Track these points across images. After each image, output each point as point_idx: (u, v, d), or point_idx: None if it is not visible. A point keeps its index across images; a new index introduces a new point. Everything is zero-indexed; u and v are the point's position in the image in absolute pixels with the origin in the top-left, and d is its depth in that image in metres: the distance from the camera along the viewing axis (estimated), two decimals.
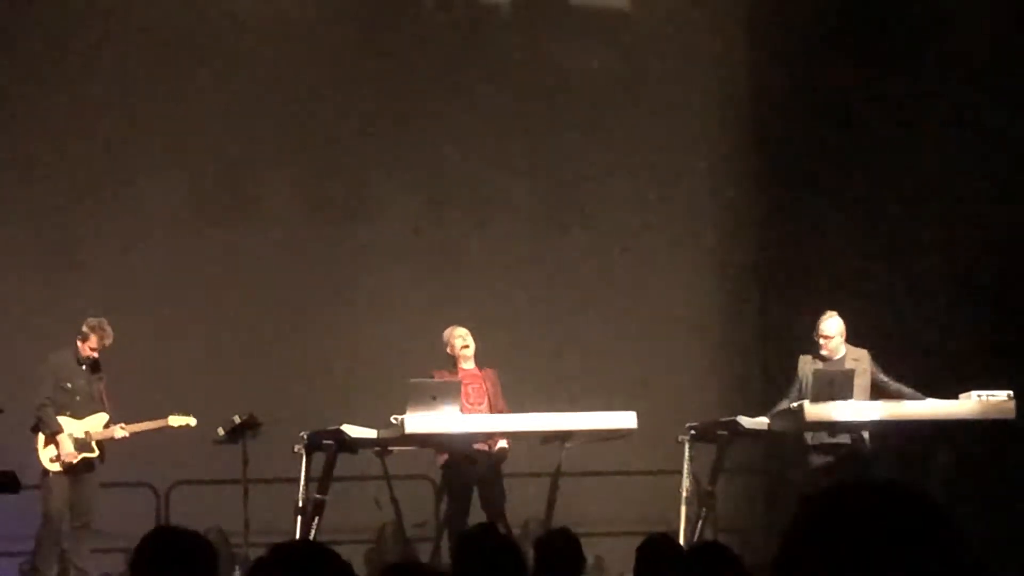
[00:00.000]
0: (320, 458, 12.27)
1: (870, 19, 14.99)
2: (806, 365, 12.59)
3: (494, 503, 12.21)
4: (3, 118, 14.77)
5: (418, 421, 11.80)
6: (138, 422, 12.46)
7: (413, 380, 12.10)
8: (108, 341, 12.37)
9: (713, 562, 5.62)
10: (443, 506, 12.56)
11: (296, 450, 12.24)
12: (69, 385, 12.32)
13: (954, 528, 2.03)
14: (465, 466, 12.33)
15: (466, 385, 12.38)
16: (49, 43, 14.88)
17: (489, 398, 12.48)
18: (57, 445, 12.18)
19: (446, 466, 12.41)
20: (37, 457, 12.18)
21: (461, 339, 12.55)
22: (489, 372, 12.63)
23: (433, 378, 12.38)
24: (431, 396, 11.94)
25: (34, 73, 14.80)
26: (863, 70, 14.79)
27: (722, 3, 16.11)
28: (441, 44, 15.92)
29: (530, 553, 7.23)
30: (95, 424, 12.36)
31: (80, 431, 12.28)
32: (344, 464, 12.35)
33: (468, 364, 12.54)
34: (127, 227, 14.98)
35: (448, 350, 12.59)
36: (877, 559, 1.98)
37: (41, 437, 12.23)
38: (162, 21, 15.32)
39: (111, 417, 12.43)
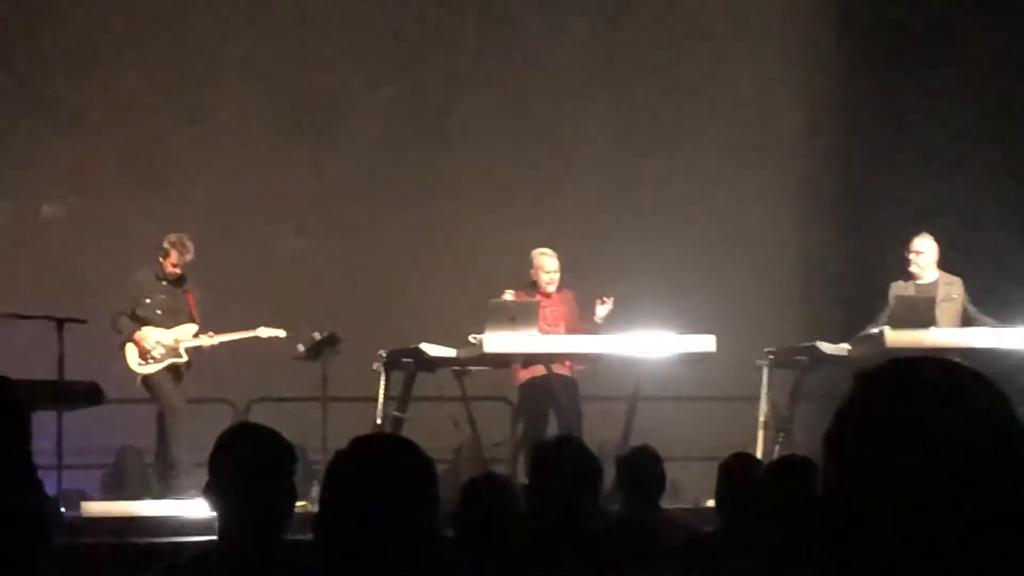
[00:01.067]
0: (399, 377, 12.36)
1: None
2: (896, 291, 12.52)
3: (571, 424, 12.23)
4: (92, 47, 14.80)
5: (496, 341, 11.84)
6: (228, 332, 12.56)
7: (492, 301, 12.14)
8: (189, 257, 12.41)
9: (795, 474, 5.61)
10: (520, 427, 12.60)
11: (375, 368, 12.34)
12: (148, 300, 12.39)
13: (1007, 400, 2.00)
14: (543, 386, 12.38)
15: (544, 307, 12.40)
16: None
17: (566, 320, 12.50)
18: (138, 344, 12.28)
19: (524, 386, 12.44)
20: (128, 368, 12.26)
21: (549, 262, 12.53)
22: (567, 294, 12.62)
23: (511, 297, 12.40)
24: (509, 317, 11.98)
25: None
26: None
27: None
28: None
29: (610, 472, 7.20)
30: (183, 333, 12.45)
31: (168, 338, 12.37)
32: (422, 384, 12.44)
33: (551, 287, 12.55)
34: (216, 147, 15.06)
35: (532, 272, 12.59)
36: (927, 428, 1.98)
37: (127, 348, 12.33)
38: None
39: (200, 328, 12.51)
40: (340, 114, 15.40)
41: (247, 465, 4.55)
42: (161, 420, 12.30)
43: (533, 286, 12.58)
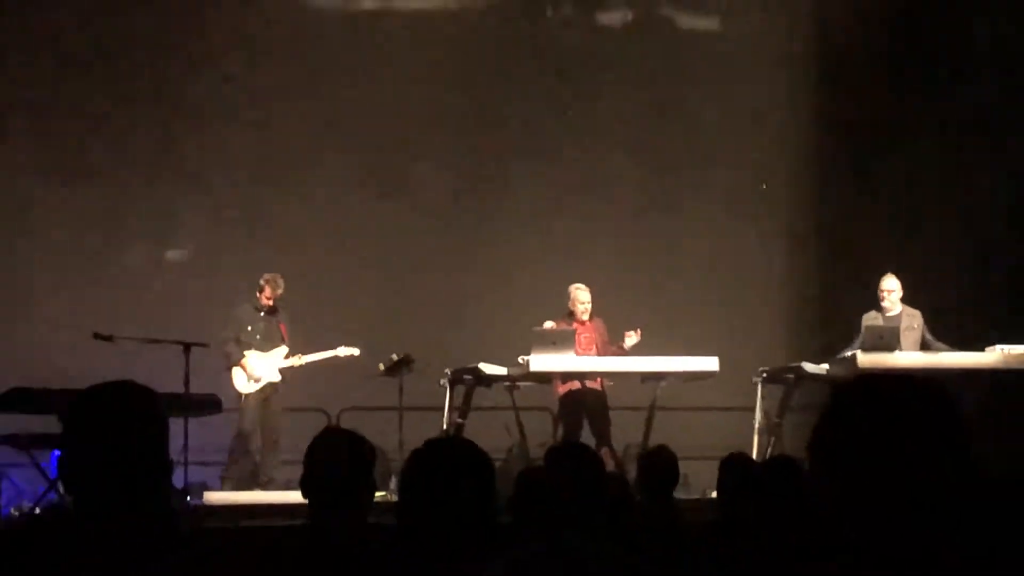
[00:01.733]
0: (460, 390, 12.40)
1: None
2: (867, 321, 12.52)
3: (601, 429, 12.31)
4: (212, 121, 14.87)
5: (540, 361, 11.94)
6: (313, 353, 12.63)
7: (536, 328, 12.22)
8: (280, 291, 12.57)
9: (783, 471, 5.62)
10: (559, 431, 12.61)
11: (441, 383, 12.38)
12: (250, 328, 12.53)
13: (958, 413, 2.05)
14: (578, 398, 12.42)
15: (578, 333, 12.46)
16: (227, 41, 14.97)
17: (597, 344, 12.55)
18: (244, 370, 12.40)
19: (563, 398, 12.49)
20: (232, 386, 12.37)
21: (583, 295, 12.62)
22: (598, 322, 12.68)
23: (552, 326, 12.45)
24: (551, 341, 12.07)
25: (211, 61, 14.89)
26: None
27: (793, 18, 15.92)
28: (565, 54, 15.92)
29: (632, 471, 7.24)
30: (276, 356, 12.54)
31: (265, 362, 12.46)
32: (480, 396, 12.48)
33: (584, 316, 12.62)
34: (312, 201, 15.12)
35: (570, 304, 12.66)
36: (894, 435, 2.01)
37: (234, 371, 12.43)
38: (316, 26, 15.43)
39: (290, 350, 12.59)
40: (414, 175, 15.45)
41: (336, 461, 4.60)
42: (239, 436, 12.48)
43: (570, 315, 12.65)
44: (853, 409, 2.09)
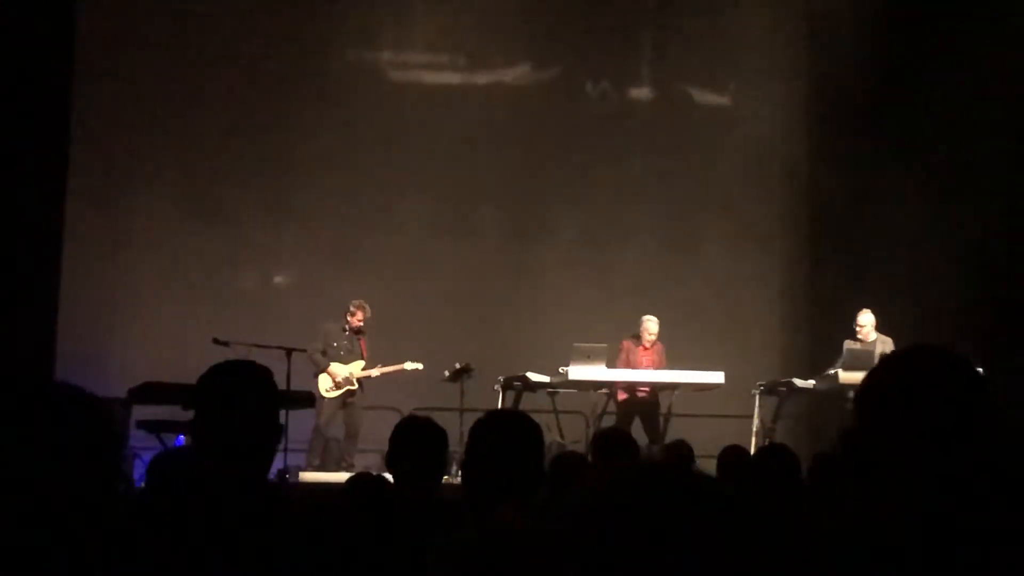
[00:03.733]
0: (511, 395, 12.43)
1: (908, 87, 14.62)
2: (848, 346, 12.49)
3: (650, 430, 12.45)
4: (309, 165, 15.02)
5: (578, 372, 11.95)
6: (386, 366, 12.69)
7: (576, 344, 12.23)
8: (367, 315, 12.64)
9: (777, 456, 5.61)
10: (590, 430, 12.60)
11: (495, 388, 12.42)
12: (335, 344, 12.58)
13: (988, 389, 2.04)
14: (631, 405, 12.45)
15: (641, 356, 12.51)
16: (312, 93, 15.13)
17: (655, 365, 12.59)
18: (329, 377, 12.46)
19: (620, 404, 12.51)
20: (316, 389, 12.45)
21: (651, 326, 12.69)
22: (659, 346, 12.73)
23: (622, 345, 12.51)
24: (587, 356, 12.07)
25: (316, 123, 15.01)
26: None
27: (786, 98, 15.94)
28: (601, 121, 15.99)
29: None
30: (355, 367, 12.60)
31: (346, 371, 12.53)
32: (526, 400, 12.49)
33: (649, 340, 12.65)
34: (391, 236, 15.22)
35: (640, 330, 12.73)
36: (934, 396, 1.99)
37: (320, 377, 12.50)
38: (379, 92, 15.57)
39: (368, 363, 12.64)
40: (474, 219, 15.54)
41: (416, 442, 4.66)
42: (316, 428, 12.52)
43: (638, 339, 12.69)
44: (898, 371, 2.06)
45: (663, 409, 12.73)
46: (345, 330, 12.65)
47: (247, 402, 3.19)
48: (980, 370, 2.05)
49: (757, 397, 12.90)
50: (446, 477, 6.48)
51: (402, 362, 12.71)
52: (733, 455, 6.51)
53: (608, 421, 12.29)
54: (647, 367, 12.56)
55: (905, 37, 14.49)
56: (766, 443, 12.05)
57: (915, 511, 1.94)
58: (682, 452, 6.92)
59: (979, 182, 13.68)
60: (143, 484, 10.81)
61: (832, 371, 12.15)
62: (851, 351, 12.31)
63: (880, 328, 12.51)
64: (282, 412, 9.57)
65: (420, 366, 12.70)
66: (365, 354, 12.69)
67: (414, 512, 4.30)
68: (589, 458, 6.37)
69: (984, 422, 1.98)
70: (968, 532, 1.91)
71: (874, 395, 2.04)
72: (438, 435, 4.78)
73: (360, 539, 4.21)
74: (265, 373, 3.30)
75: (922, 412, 1.96)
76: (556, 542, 1.53)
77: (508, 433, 3.60)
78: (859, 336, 12.46)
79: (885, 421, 1.99)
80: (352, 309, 12.63)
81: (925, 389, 1.99)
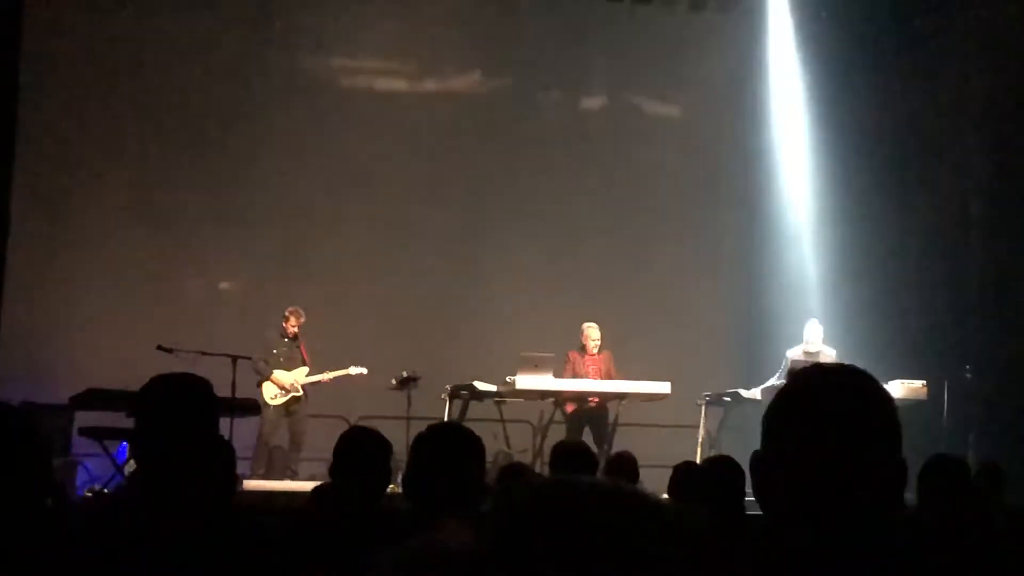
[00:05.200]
0: (458, 403, 12.40)
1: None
2: (790, 355, 12.55)
3: (599, 438, 12.31)
4: (251, 169, 14.95)
5: (525, 381, 11.91)
6: (331, 371, 12.65)
7: (523, 353, 12.19)
8: (302, 320, 12.62)
9: (723, 467, 5.62)
10: (538, 439, 12.59)
11: (442, 397, 12.39)
12: (275, 351, 12.56)
13: (892, 404, 2.03)
14: (580, 415, 12.42)
15: (588, 364, 12.48)
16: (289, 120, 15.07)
17: (603, 374, 12.55)
18: (274, 384, 12.41)
19: (571, 414, 12.47)
20: (261, 397, 12.39)
21: (594, 333, 12.64)
22: (607, 354, 12.69)
23: (568, 356, 12.48)
24: (534, 365, 12.03)
25: (259, 129, 14.98)
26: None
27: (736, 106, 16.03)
28: (551, 130, 16.03)
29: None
30: (299, 374, 12.56)
31: (290, 378, 12.48)
32: (474, 408, 12.47)
33: (593, 347, 12.60)
34: (335, 241, 15.14)
35: (582, 339, 12.68)
36: (829, 408, 1.96)
37: (265, 385, 12.45)
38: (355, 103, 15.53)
39: (311, 369, 12.59)
40: (422, 225, 15.46)
41: (360, 455, 4.64)
42: (261, 436, 12.47)
43: (583, 348, 12.65)
44: (801, 388, 2.02)
45: (611, 419, 12.72)
46: (284, 337, 12.60)
47: (185, 417, 3.16)
48: (887, 388, 2.04)
49: (703, 407, 12.96)
50: (391, 487, 6.47)
51: (347, 367, 12.66)
52: (684, 472, 6.51)
53: (555, 430, 12.27)
54: (595, 376, 12.54)
55: (852, 45, 14.64)
56: (712, 454, 12.13)
57: (817, 539, 1.92)
58: (624, 463, 6.91)
59: (931, 196, 13.87)
60: (85, 492, 10.74)
61: (776, 381, 12.21)
62: (795, 361, 12.38)
63: (824, 339, 12.61)
64: (226, 420, 9.43)
65: (364, 370, 12.66)
66: (308, 360, 12.64)
67: (357, 523, 4.29)
68: (547, 471, 6.36)
69: (890, 441, 1.97)
70: (871, 555, 1.91)
71: (778, 418, 2.01)
72: (382, 446, 4.78)
73: (305, 551, 4.18)
74: (204, 387, 3.27)
75: (826, 433, 1.95)
76: (493, 560, 1.51)
77: (450, 447, 3.59)
78: (803, 346, 12.53)
79: (789, 443, 1.96)
80: (286, 315, 12.67)
81: (829, 409, 1.95)
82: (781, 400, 2.00)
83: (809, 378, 2.02)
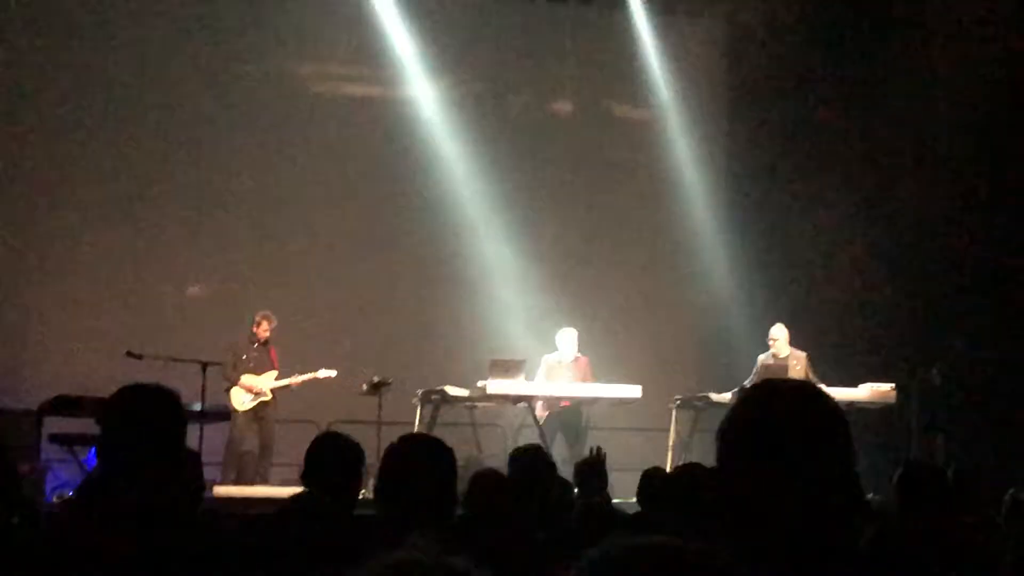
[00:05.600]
0: (429, 408, 12.38)
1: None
2: (761, 360, 12.60)
3: (571, 441, 12.34)
4: (225, 177, 14.89)
5: (495, 386, 11.90)
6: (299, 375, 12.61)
7: (493, 359, 12.19)
8: (274, 324, 12.58)
9: (693, 474, 5.63)
10: (508, 442, 12.59)
11: (413, 402, 12.37)
12: (245, 356, 12.51)
13: (842, 419, 2.05)
14: (553, 419, 12.43)
15: (563, 370, 12.51)
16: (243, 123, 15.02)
17: (578, 378, 12.56)
18: (243, 389, 12.37)
19: (546, 418, 12.48)
20: (230, 403, 12.34)
21: (569, 339, 12.64)
22: (582, 359, 12.69)
23: (544, 361, 12.49)
24: (505, 369, 12.04)
25: (233, 137, 14.90)
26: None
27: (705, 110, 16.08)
28: (521, 133, 16.04)
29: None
30: (267, 379, 12.51)
31: (258, 383, 12.44)
32: (445, 413, 12.46)
33: (568, 355, 12.60)
34: (306, 247, 15.12)
35: (558, 343, 12.69)
36: (781, 423, 1.99)
37: (234, 391, 12.40)
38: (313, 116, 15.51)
39: (280, 373, 12.56)
40: (393, 230, 15.44)
41: (331, 461, 4.64)
42: (230, 442, 12.40)
43: (559, 354, 12.66)
44: (753, 405, 2.07)
45: (583, 422, 12.73)
46: (253, 343, 12.57)
47: (152, 429, 3.15)
48: (837, 403, 2.06)
49: (674, 411, 12.98)
50: (363, 492, 6.46)
51: (316, 370, 12.64)
52: (653, 475, 6.54)
53: (528, 434, 12.28)
54: (571, 382, 12.57)
55: (823, 52, 14.72)
56: (682, 458, 12.16)
57: (772, 550, 1.93)
58: (597, 468, 6.92)
59: (898, 199, 13.95)
60: (55, 497, 10.69)
61: (746, 385, 12.24)
62: (765, 366, 12.44)
63: (793, 342, 12.66)
64: (196, 427, 9.38)
65: (333, 373, 12.61)
66: (276, 364, 12.61)
67: (330, 529, 4.28)
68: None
69: (843, 458, 1.99)
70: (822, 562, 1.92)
71: (733, 432, 2.03)
72: (354, 451, 4.77)
73: (275, 558, 4.18)
74: (171, 398, 3.26)
75: (779, 448, 1.96)
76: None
77: (421, 459, 3.59)
78: (772, 350, 12.58)
79: (744, 458, 1.98)
80: (257, 320, 12.60)
81: (782, 425, 1.98)
82: (731, 420, 2.03)
83: (758, 398, 2.04)
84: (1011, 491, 6.32)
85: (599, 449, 7.21)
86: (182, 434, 3.37)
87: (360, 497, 4.86)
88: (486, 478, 5.93)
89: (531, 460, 6.14)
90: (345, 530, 4.18)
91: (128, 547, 3.00)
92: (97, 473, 3.30)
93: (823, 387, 12.01)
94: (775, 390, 2.09)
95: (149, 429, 3.19)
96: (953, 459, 10.40)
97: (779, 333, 12.60)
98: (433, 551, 2.68)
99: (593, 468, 6.90)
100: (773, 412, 2.00)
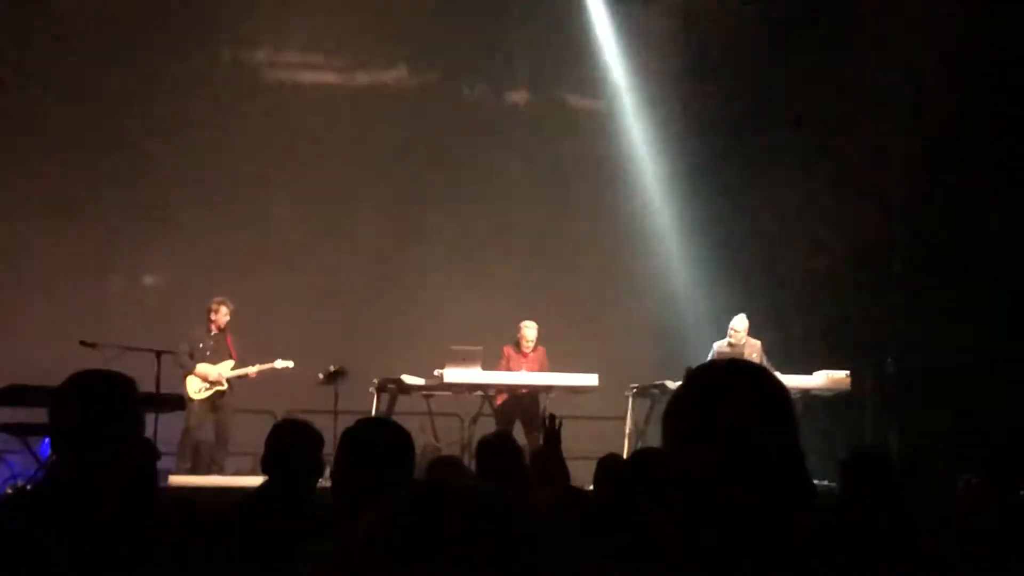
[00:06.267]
0: (386, 397, 12.37)
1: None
2: (716, 347, 12.66)
3: (529, 424, 12.40)
4: (176, 162, 14.79)
5: (453, 374, 11.93)
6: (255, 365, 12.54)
7: (452, 347, 12.21)
8: (230, 310, 12.48)
9: (648, 459, 5.63)
10: (465, 432, 12.60)
11: (370, 391, 12.35)
12: (201, 345, 12.42)
13: (785, 394, 2.05)
14: (510, 405, 12.44)
15: (522, 362, 12.49)
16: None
17: (535, 369, 12.60)
18: (198, 378, 12.28)
19: (500, 406, 12.50)
20: (185, 392, 12.24)
21: (529, 332, 12.68)
22: (540, 350, 12.75)
23: (503, 351, 12.50)
24: (462, 358, 12.06)
25: (186, 120, 14.82)
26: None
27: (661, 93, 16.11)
28: (477, 125, 16.02)
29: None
30: (224, 368, 12.43)
31: (214, 372, 12.35)
32: (402, 402, 12.46)
33: (528, 347, 12.63)
34: (263, 235, 15.08)
35: (518, 336, 12.71)
36: (725, 402, 2.00)
37: (189, 379, 12.31)
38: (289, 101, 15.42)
39: (237, 363, 12.48)
40: (351, 219, 15.42)
41: (294, 444, 4.64)
42: (186, 431, 12.30)
43: (518, 344, 12.70)
44: (696, 385, 2.07)
45: (540, 410, 12.74)
46: (210, 331, 12.48)
47: (108, 415, 3.11)
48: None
49: (631, 399, 13.02)
50: (321, 480, 6.44)
51: (273, 361, 12.56)
52: (608, 463, 6.52)
53: (484, 423, 12.29)
54: (530, 370, 12.60)
55: (779, 40, 14.79)
56: (638, 446, 12.20)
57: (715, 533, 1.93)
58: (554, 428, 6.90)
59: (859, 186, 14.05)
60: (7, 488, 10.57)
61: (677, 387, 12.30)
62: (719, 353, 12.50)
63: (750, 331, 12.73)
64: (151, 416, 9.33)
65: (291, 364, 12.55)
66: (234, 353, 12.52)
67: (289, 516, 4.27)
68: (472, 464, 6.34)
69: (786, 433, 1.99)
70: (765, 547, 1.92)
71: (677, 412, 2.03)
72: (313, 438, 4.77)
73: (235, 546, 4.16)
74: (125, 382, 3.22)
75: (722, 425, 1.96)
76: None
77: (377, 442, 3.59)
78: (731, 340, 12.65)
79: (689, 437, 1.98)
80: (214, 307, 12.49)
81: (725, 402, 1.98)
82: (675, 400, 2.04)
83: (701, 377, 2.04)
84: (964, 476, 6.38)
85: (552, 417, 7.22)
86: (139, 420, 3.32)
87: (318, 487, 4.85)
88: (443, 464, 5.94)
89: (499, 445, 6.13)
90: (303, 515, 4.17)
91: (85, 535, 2.97)
92: (53, 462, 3.26)
93: (777, 374, 12.26)
94: (717, 369, 2.10)
95: (103, 415, 3.15)
96: (906, 446, 10.50)
97: (740, 324, 12.67)
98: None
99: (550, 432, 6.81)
100: (716, 390, 2.00)
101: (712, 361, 2.12)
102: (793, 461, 1.98)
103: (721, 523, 1.92)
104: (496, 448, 6.23)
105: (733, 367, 2.09)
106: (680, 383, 2.13)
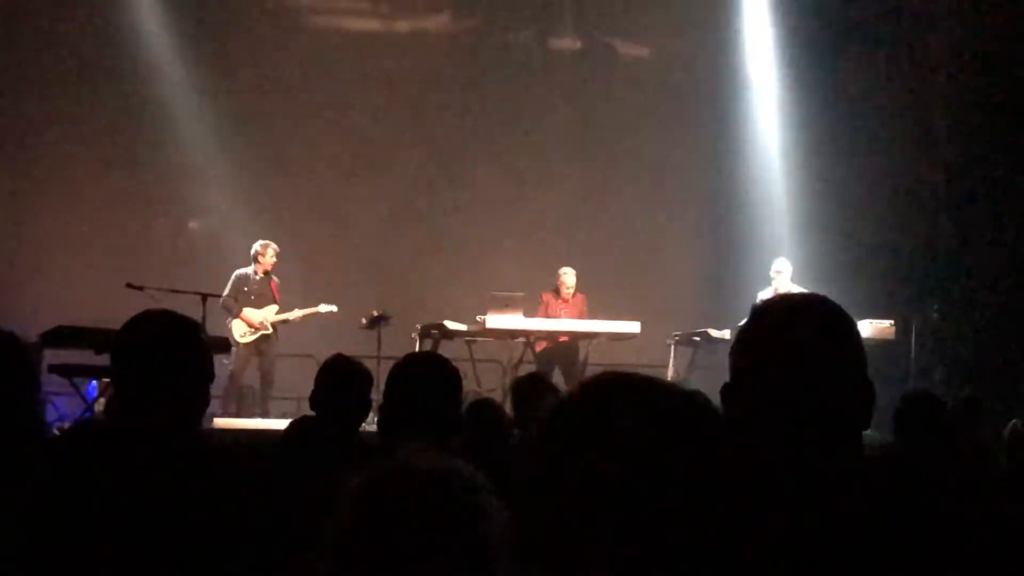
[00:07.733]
0: (428, 343, 12.38)
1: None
2: (761, 295, 12.54)
3: (568, 373, 12.34)
4: (223, 112, 14.79)
5: (494, 320, 11.93)
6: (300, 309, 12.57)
7: (493, 293, 12.19)
8: (273, 253, 12.44)
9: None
10: (507, 379, 12.62)
11: (412, 336, 12.36)
12: (246, 289, 12.39)
13: (855, 330, 2.00)
14: (551, 353, 12.43)
15: (561, 308, 12.47)
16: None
17: (575, 316, 12.58)
18: (243, 322, 12.32)
19: (540, 353, 12.49)
20: (231, 335, 12.29)
21: (568, 279, 12.64)
22: (579, 297, 12.71)
23: (542, 298, 12.47)
24: (504, 304, 12.05)
25: (231, 72, 14.78)
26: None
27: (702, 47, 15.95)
28: (522, 72, 15.93)
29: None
30: (269, 312, 12.45)
31: (260, 316, 12.38)
32: (444, 347, 12.44)
33: (567, 293, 12.60)
34: (308, 182, 15.12)
35: (557, 282, 12.69)
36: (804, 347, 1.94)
37: (233, 323, 12.34)
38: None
39: (281, 307, 12.51)
40: (395, 167, 15.41)
41: (338, 382, 4.65)
42: (232, 375, 12.33)
43: (557, 291, 12.67)
44: (771, 314, 2.02)
45: (581, 358, 12.73)
46: (255, 274, 12.50)
47: (178, 354, 3.09)
48: (855, 321, 2.02)
49: (673, 347, 12.96)
50: (365, 425, 6.47)
51: (317, 305, 12.60)
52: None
53: (525, 370, 12.29)
54: (569, 318, 12.57)
55: None
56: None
57: (789, 462, 1.90)
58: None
59: (901, 136, 13.91)
60: (56, 431, 10.67)
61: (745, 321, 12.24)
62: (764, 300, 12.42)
63: (794, 279, 12.62)
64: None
65: (335, 308, 12.56)
66: (277, 297, 12.54)
67: (337, 451, 4.29)
68: (508, 406, 6.37)
69: (856, 365, 1.96)
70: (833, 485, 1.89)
71: (745, 349, 1.99)
72: (363, 376, 4.79)
73: (284, 482, 4.18)
74: (192, 324, 3.20)
75: (792, 360, 1.92)
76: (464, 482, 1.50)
77: (427, 376, 3.58)
78: (773, 284, 12.53)
79: (757, 373, 1.94)
80: (260, 249, 12.45)
81: (794, 337, 1.94)
82: (747, 332, 1.98)
83: (773, 309, 1.99)
84: (1012, 422, 6.32)
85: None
86: (207, 360, 3.27)
87: (363, 428, 4.87)
88: (485, 407, 5.95)
89: (531, 384, 6.14)
90: (346, 450, 4.19)
91: (134, 473, 2.97)
92: (112, 402, 3.25)
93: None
94: (789, 301, 2.06)
95: (170, 356, 3.12)
96: (952, 394, 10.42)
97: (783, 266, 12.50)
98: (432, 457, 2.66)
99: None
100: (788, 321, 1.95)
101: (782, 295, 2.05)
102: (864, 393, 1.95)
103: (791, 459, 1.89)
104: (529, 388, 6.24)
105: (802, 298, 2.05)
106: (749, 316, 2.08)
